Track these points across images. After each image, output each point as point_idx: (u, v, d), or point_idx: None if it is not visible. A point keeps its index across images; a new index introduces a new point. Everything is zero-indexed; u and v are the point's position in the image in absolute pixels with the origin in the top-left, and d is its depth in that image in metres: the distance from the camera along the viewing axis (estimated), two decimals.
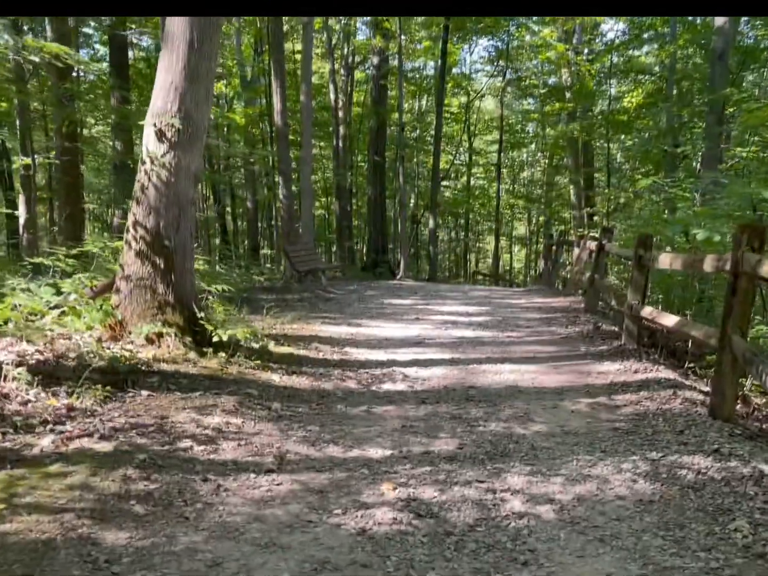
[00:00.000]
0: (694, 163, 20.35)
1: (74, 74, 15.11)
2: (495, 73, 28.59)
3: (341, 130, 26.58)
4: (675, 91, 18.94)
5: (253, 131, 26.44)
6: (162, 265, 5.88)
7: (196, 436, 4.12)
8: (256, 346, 6.56)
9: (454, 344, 7.74)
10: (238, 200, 33.03)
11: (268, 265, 21.77)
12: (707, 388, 5.76)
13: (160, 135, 5.89)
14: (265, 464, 3.77)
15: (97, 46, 23.10)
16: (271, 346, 6.77)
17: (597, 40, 24.24)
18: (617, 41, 22.02)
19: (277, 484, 3.51)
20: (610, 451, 4.14)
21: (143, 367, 5.30)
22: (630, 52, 23.40)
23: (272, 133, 22.33)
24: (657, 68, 22.48)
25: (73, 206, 13.73)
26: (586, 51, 23.86)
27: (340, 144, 26.67)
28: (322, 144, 30.83)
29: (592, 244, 11.02)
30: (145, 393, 4.84)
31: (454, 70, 32.04)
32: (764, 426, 5.18)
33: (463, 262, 33.00)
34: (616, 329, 8.62)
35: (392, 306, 11.04)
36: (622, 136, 25.08)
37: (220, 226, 33.37)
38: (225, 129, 30.46)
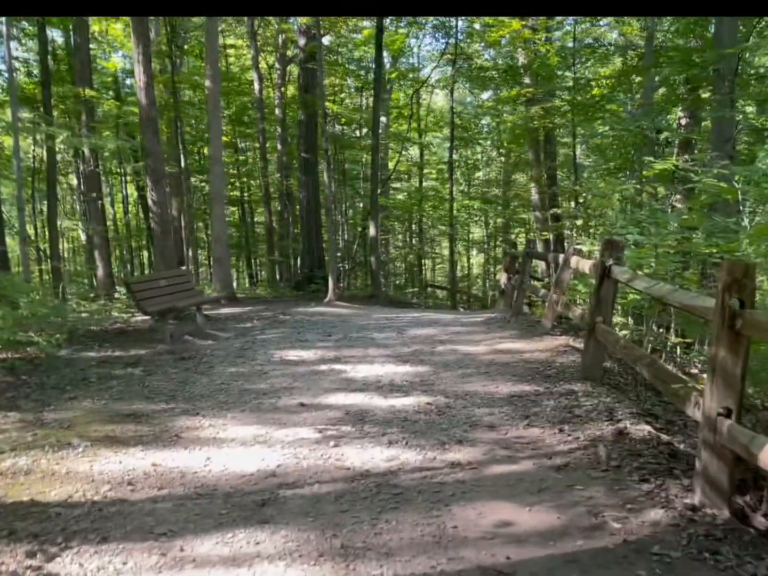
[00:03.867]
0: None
1: None
2: (444, 62, 24.25)
3: (278, 129, 22.22)
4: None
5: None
6: None
7: None
8: None
9: (337, 517, 3.39)
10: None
11: None
12: None
13: None
14: None
15: None
16: None
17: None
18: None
19: None
20: None
21: None
22: (595, 29, 19.30)
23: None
24: (625, 46, 18.42)
25: None
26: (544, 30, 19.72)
27: (279, 145, 22.29)
28: (257, 145, 26.36)
29: (585, 264, 6.76)
30: None
31: (403, 63, 27.92)
32: None
33: (417, 270, 28.69)
34: (651, 432, 4.40)
35: (280, 369, 6.66)
36: (582, 131, 21.01)
37: (149, 239, 28.68)
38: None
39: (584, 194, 14.73)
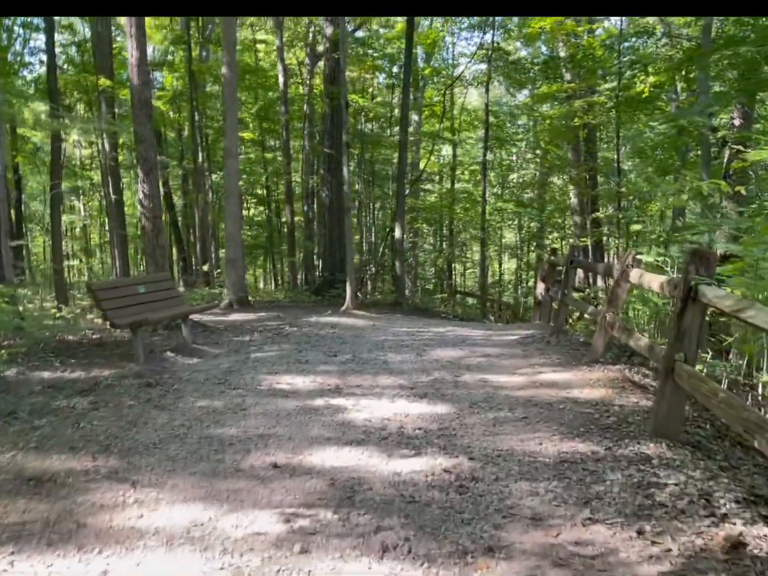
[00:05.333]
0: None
1: None
2: (479, 59, 22.60)
3: (306, 125, 20.92)
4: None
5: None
6: None
7: None
8: None
9: None
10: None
11: (201, 291, 15.91)
12: None
13: None
14: None
15: None
16: None
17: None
18: None
19: None
20: None
21: None
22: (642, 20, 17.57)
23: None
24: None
25: None
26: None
27: (305, 142, 20.98)
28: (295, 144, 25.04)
29: (652, 281, 5.19)
30: None
31: (437, 61, 26.46)
32: None
33: (447, 275, 27.09)
34: None
35: (264, 404, 5.19)
36: (624, 132, 19.27)
37: (174, 236, 27.47)
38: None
39: (631, 197, 13.05)
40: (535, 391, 5.58)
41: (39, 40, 28.54)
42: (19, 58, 24.57)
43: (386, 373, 6.33)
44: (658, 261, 6.18)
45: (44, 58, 26.05)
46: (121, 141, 28.73)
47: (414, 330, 9.58)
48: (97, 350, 7.34)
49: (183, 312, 7.29)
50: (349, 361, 6.84)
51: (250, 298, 15.92)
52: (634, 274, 5.82)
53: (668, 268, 6.00)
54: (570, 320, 11.21)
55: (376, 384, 5.88)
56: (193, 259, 26.45)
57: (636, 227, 10.03)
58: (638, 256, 6.25)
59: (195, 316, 9.33)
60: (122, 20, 8.84)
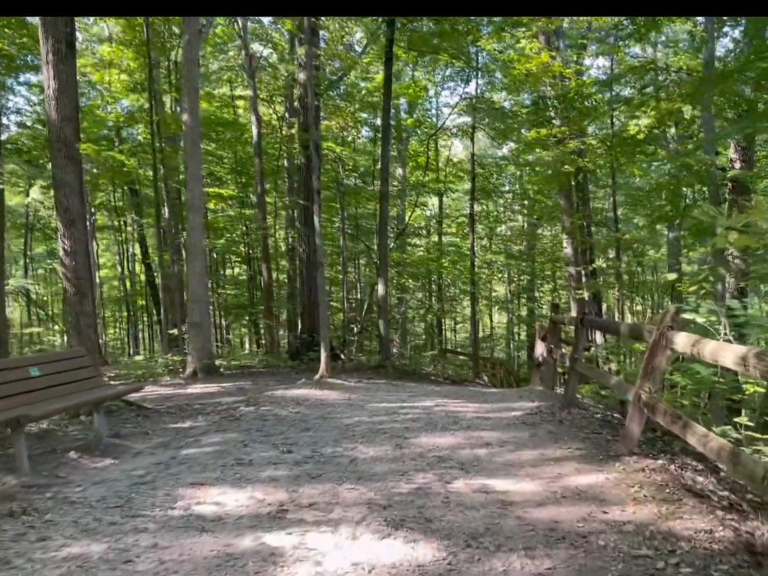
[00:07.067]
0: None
1: None
2: (463, 109, 21.42)
3: (285, 180, 19.57)
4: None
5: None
6: None
7: None
8: None
9: None
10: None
11: (163, 358, 14.23)
12: None
13: None
14: None
15: None
16: None
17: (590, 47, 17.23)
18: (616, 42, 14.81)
19: None
20: None
21: None
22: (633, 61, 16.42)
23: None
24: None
25: None
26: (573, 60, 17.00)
27: (287, 199, 19.57)
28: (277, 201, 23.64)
29: (719, 353, 3.54)
30: None
31: (423, 113, 25.36)
32: None
33: (437, 331, 25.46)
34: None
35: (161, 549, 3.43)
36: (620, 179, 17.95)
37: (152, 298, 25.76)
38: None
39: (635, 245, 11.53)
40: (558, 509, 3.86)
41: (11, 100, 27.32)
42: None
43: (352, 479, 4.58)
44: (707, 322, 4.54)
45: (17, 118, 24.83)
46: (97, 201, 27.39)
47: (396, 405, 7.83)
48: None
49: (87, 401, 5.49)
50: (306, 461, 5.09)
51: (221, 362, 14.22)
52: (684, 341, 4.17)
53: (727, 331, 4.36)
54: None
55: (336, 500, 4.14)
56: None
57: (670, 276, 8.36)
58: (684, 315, 4.61)
59: (135, 395, 7.62)
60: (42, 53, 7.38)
